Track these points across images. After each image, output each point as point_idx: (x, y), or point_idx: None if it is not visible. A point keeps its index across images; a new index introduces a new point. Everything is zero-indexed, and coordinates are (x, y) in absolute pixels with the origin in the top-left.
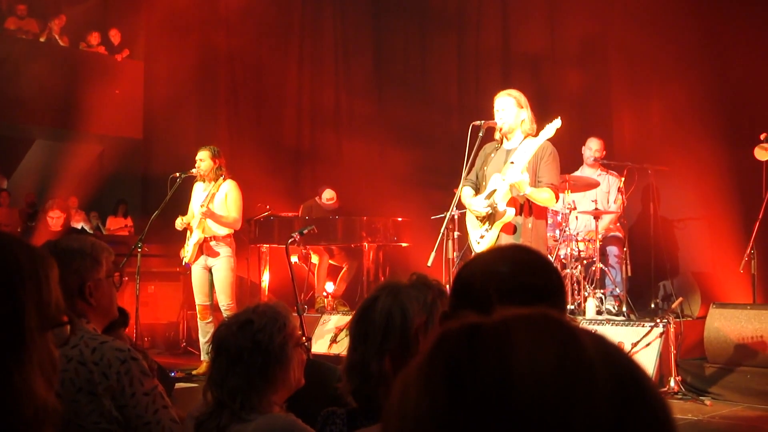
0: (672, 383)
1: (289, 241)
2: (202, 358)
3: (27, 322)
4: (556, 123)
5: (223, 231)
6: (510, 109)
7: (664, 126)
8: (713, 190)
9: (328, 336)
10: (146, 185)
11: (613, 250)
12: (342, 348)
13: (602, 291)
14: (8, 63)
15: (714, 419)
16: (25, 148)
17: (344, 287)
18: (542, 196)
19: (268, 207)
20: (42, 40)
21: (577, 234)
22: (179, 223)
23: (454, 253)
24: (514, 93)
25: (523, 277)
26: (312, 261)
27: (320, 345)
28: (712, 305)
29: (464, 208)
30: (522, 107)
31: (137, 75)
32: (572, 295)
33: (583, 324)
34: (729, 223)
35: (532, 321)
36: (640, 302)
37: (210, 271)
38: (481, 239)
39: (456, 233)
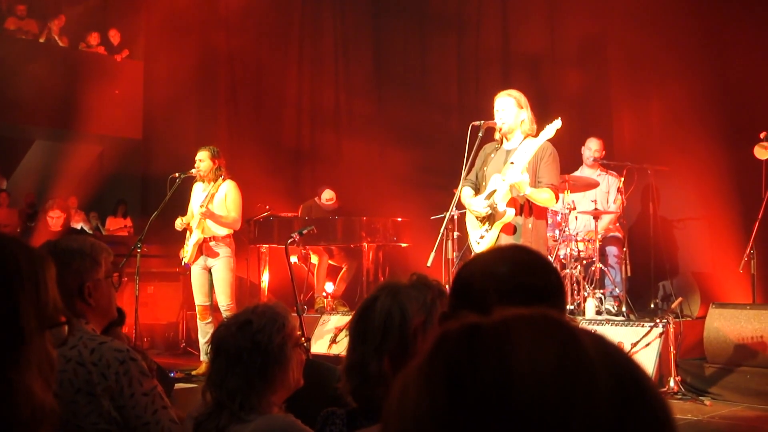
0: (672, 383)
1: (289, 241)
2: (201, 358)
3: (25, 323)
4: (557, 123)
5: (222, 231)
6: (510, 109)
7: (664, 126)
8: (713, 190)
9: (328, 336)
10: (146, 185)
11: (612, 250)
12: (341, 348)
13: (602, 291)
14: (8, 63)
15: (714, 419)
16: (25, 148)
17: (344, 287)
18: (542, 197)
19: (267, 207)
20: (41, 40)
21: (577, 234)
22: (179, 223)
23: (454, 254)
24: (515, 93)
25: (522, 278)
26: (311, 261)
27: (320, 345)
28: (712, 305)
29: (464, 208)
30: (522, 107)
31: (137, 75)
32: (572, 295)
33: (583, 324)
34: (729, 223)
35: (532, 321)
36: (639, 302)
37: (209, 271)
38: (481, 239)
39: (456, 233)
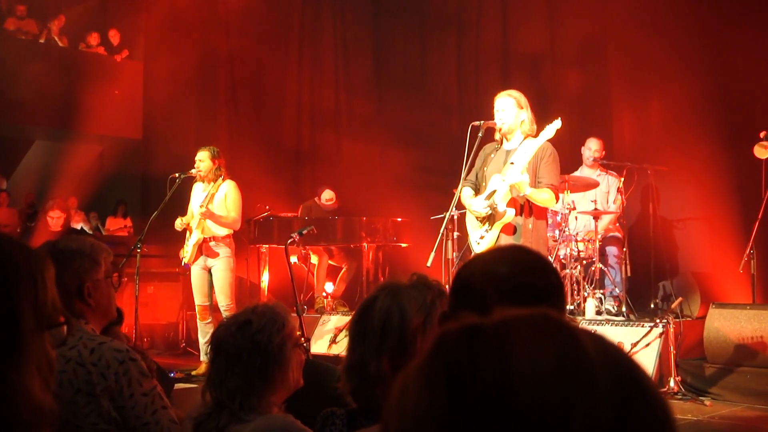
0: (672, 383)
1: (289, 241)
2: (201, 358)
3: (23, 323)
4: (556, 124)
5: (222, 231)
6: (510, 109)
7: (664, 126)
8: (713, 190)
9: (328, 336)
10: (146, 186)
11: (612, 250)
12: (341, 348)
13: (602, 291)
14: (8, 63)
15: (714, 419)
16: (25, 148)
17: (344, 287)
18: (542, 197)
19: (267, 207)
20: (41, 40)
21: (577, 234)
22: (179, 223)
23: (454, 254)
24: (515, 93)
25: (522, 278)
26: (311, 261)
27: (320, 345)
28: (712, 305)
29: (464, 208)
30: (522, 108)
31: (137, 75)
32: (572, 295)
33: (583, 324)
34: (728, 223)
35: (532, 321)
36: (639, 302)
37: (209, 271)
38: (481, 240)
39: (455, 233)
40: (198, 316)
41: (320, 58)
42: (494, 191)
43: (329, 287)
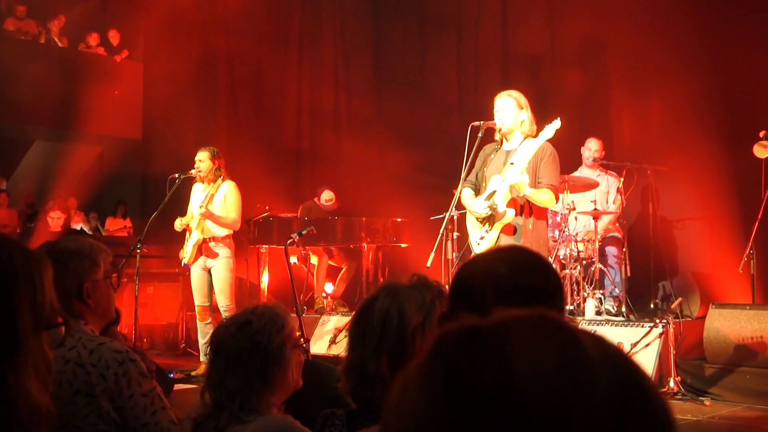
0: (671, 384)
1: (288, 241)
2: (201, 359)
3: (21, 324)
4: (556, 124)
5: (222, 232)
6: (510, 109)
7: (663, 126)
8: (712, 190)
9: (328, 337)
10: (145, 186)
11: (612, 250)
12: (341, 349)
13: (601, 291)
14: (7, 64)
15: (713, 420)
16: (25, 148)
17: (343, 288)
18: (542, 197)
19: (267, 208)
20: (41, 41)
21: (576, 234)
22: (178, 224)
23: (454, 254)
24: (515, 94)
25: (521, 278)
26: (311, 262)
27: (319, 346)
28: (712, 305)
29: (463, 208)
30: (522, 108)
31: (136, 76)
32: (571, 295)
33: (583, 324)
34: (728, 223)
35: (532, 322)
36: (639, 303)
37: (209, 272)
38: (482, 240)
39: (455, 234)
40: (198, 317)
41: (320, 58)
42: (494, 192)
43: (329, 288)
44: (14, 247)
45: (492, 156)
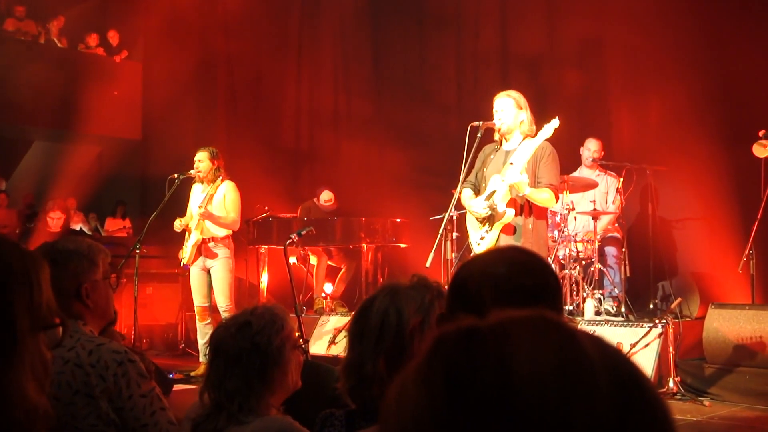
0: (671, 384)
1: (288, 242)
2: (200, 359)
3: (18, 325)
4: (554, 123)
5: (221, 232)
6: (509, 110)
7: (663, 126)
8: (712, 190)
9: (327, 337)
10: (145, 186)
11: (611, 250)
12: (340, 349)
13: (601, 292)
14: (7, 64)
15: (713, 420)
16: (24, 149)
17: (343, 288)
18: (542, 197)
19: (266, 208)
20: (41, 41)
21: (576, 235)
22: (178, 224)
23: (453, 254)
24: (514, 94)
25: (520, 279)
26: (310, 262)
27: (319, 346)
28: (711, 305)
29: (463, 208)
30: (521, 108)
31: (136, 76)
32: (571, 295)
33: (582, 325)
34: (728, 223)
35: (531, 323)
36: (638, 303)
37: (208, 272)
38: (482, 240)
39: (455, 234)
40: (197, 317)
41: (319, 59)
42: (494, 192)
43: (328, 288)
44: (11, 247)
45: (491, 156)
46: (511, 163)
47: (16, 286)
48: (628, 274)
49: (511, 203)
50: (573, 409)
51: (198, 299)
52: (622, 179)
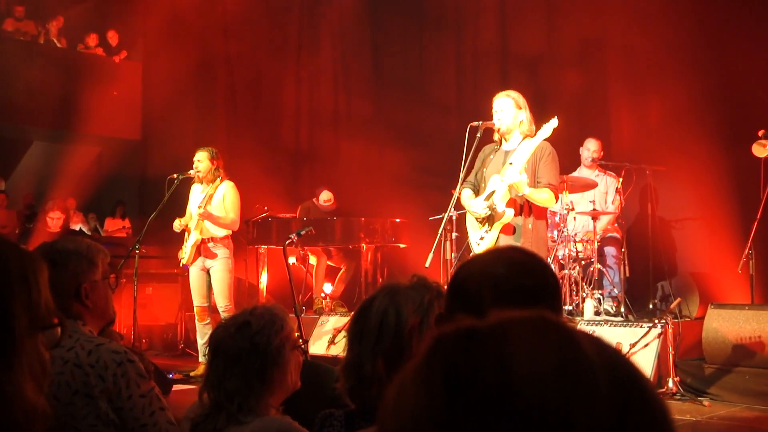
0: (670, 384)
1: (287, 242)
2: (200, 359)
3: (16, 325)
4: (553, 122)
5: (220, 232)
6: (508, 110)
7: (662, 126)
8: (711, 190)
9: (326, 337)
10: (144, 186)
11: (611, 250)
12: (340, 349)
13: (600, 292)
14: (6, 64)
15: (712, 420)
16: (24, 149)
17: (342, 288)
18: (541, 197)
19: (266, 208)
20: (40, 41)
21: (575, 235)
22: (177, 224)
23: (452, 254)
24: (513, 94)
25: (519, 279)
26: (310, 262)
27: (318, 346)
28: (711, 306)
29: (462, 208)
30: (520, 108)
31: (135, 76)
32: (570, 295)
33: (581, 325)
34: (727, 223)
35: (530, 323)
36: (638, 303)
37: (208, 272)
38: (482, 241)
39: (454, 234)
40: (196, 317)
41: (319, 59)
42: (493, 192)
43: (328, 288)
44: (9, 247)
45: (491, 156)
46: (511, 163)
47: (14, 286)
48: (627, 274)
49: (511, 203)
50: (572, 409)
51: (197, 299)
52: (621, 179)
